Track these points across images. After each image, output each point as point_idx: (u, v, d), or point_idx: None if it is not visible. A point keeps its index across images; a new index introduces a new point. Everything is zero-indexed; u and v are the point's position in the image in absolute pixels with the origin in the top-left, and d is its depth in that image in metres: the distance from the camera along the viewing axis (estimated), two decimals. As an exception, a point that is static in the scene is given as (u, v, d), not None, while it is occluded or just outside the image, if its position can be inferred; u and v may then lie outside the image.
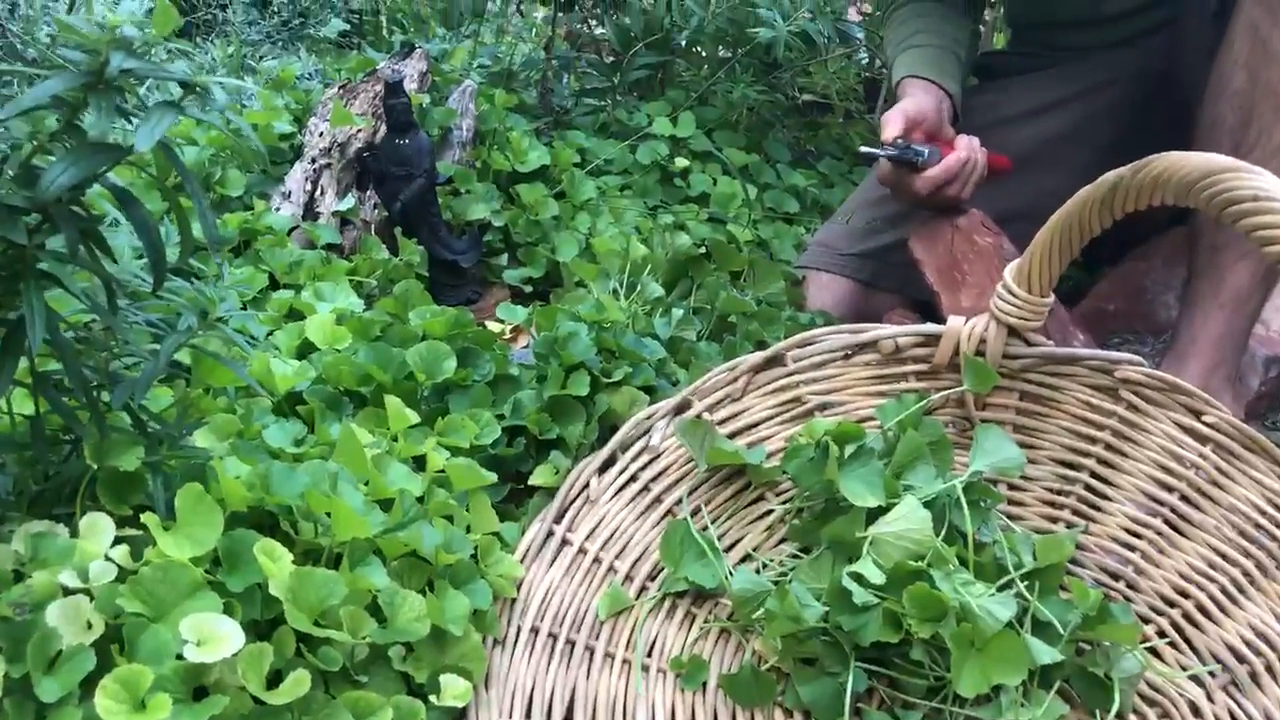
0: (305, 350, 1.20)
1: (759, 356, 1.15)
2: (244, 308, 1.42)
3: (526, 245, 1.83)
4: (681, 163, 2.22)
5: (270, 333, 1.23)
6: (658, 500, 1.10)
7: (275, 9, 3.04)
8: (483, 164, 1.94)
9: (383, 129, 1.84)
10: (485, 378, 1.16)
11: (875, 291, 1.78)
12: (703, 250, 1.48)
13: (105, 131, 0.74)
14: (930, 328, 1.15)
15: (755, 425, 1.14)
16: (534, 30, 2.55)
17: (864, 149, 1.52)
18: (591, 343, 1.17)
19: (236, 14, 3.09)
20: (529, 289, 1.81)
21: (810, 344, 1.17)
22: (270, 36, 3.09)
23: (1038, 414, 1.15)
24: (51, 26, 2.17)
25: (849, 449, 1.03)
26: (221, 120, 0.83)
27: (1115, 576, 1.10)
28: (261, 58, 2.87)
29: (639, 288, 1.44)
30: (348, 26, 3.14)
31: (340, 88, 1.88)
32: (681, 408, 1.13)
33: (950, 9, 1.78)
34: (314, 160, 1.75)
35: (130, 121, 0.82)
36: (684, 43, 2.36)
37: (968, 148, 1.51)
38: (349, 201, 1.65)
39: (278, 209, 1.66)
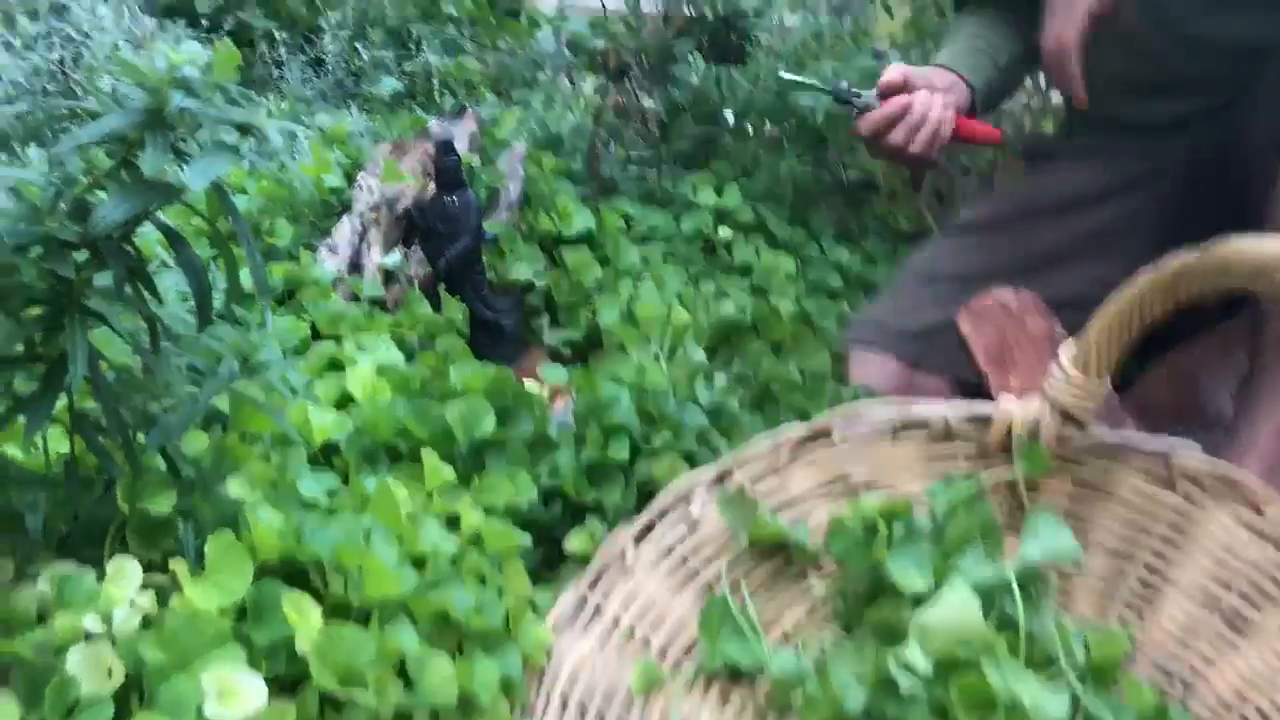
0: (344, 402, 1.19)
1: (804, 429, 1.12)
2: (285, 356, 1.41)
3: (568, 307, 1.83)
4: (726, 233, 2.22)
5: (310, 383, 1.22)
6: (695, 573, 1.06)
7: (329, 68, 3.09)
8: (528, 226, 1.94)
9: (431, 187, 1.85)
10: (524, 438, 1.14)
11: (921, 372, 1.75)
12: (746, 318, 1.46)
13: (159, 170, 0.74)
14: (981, 406, 1.12)
15: (798, 500, 1.11)
16: (582, 101, 2.58)
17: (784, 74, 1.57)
18: (632, 407, 1.15)
19: (292, 71, 3.14)
20: (568, 351, 1.80)
21: (857, 418, 1.14)
22: (324, 95, 3.14)
23: (1090, 501, 1.11)
24: (113, 77, 2.22)
25: (897, 529, 0.99)
26: (275, 166, 0.83)
27: (1170, 675, 1.05)
28: (315, 113, 2.92)
29: (680, 353, 1.42)
30: (400, 88, 3.19)
31: (391, 145, 1.89)
32: (722, 477, 1.10)
33: (997, 21, 1.77)
34: (361, 215, 1.75)
35: (184, 165, 0.82)
36: (731, 116, 2.37)
37: (919, 100, 1.50)
38: (394, 257, 1.65)
39: (323, 261, 1.67)
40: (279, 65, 3.14)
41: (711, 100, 2.46)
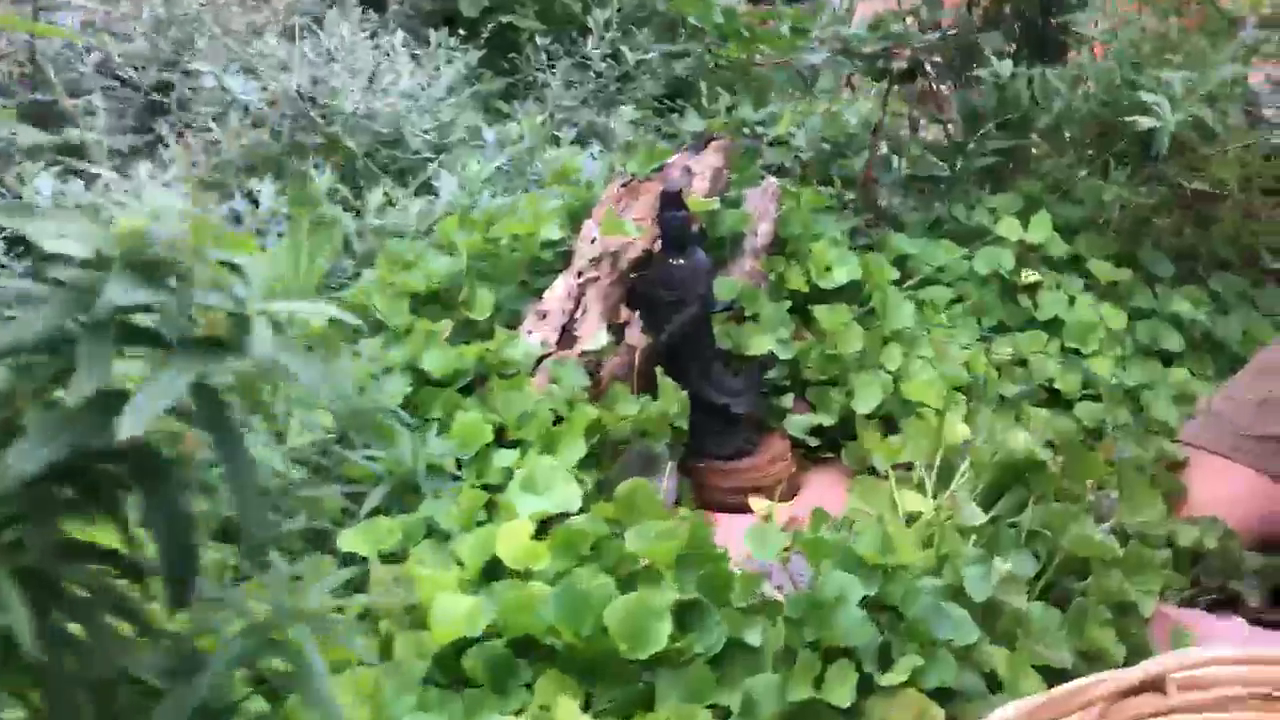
0: (493, 569, 0.94)
1: (1125, 677, 0.75)
2: (458, 465, 1.19)
3: (818, 385, 1.50)
4: (1030, 275, 1.80)
5: (454, 538, 0.98)
6: None
7: (597, 71, 2.89)
8: (778, 277, 1.62)
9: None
10: (711, 649, 0.84)
11: (1293, 495, 1.29)
12: (1049, 451, 1.07)
13: (95, 388, 0.49)
14: None
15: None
16: (858, 114, 2.21)
17: None
18: (867, 618, 0.82)
19: (557, 76, 2.96)
20: (817, 441, 1.48)
21: (1207, 666, 0.75)
22: (587, 101, 2.94)
23: None
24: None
25: None
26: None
27: None
28: (575, 124, 2.72)
29: (952, 497, 1.06)
30: (666, 91, 2.95)
31: (622, 185, 1.63)
32: (992, 742, 0.75)
33: None
34: (580, 274, 1.50)
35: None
36: (1043, 126, 1.93)
37: None
38: (601, 338, 1.39)
39: (530, 332, 1.43)
40: (543, 69, 2.97)
41: (1021, 105, 2.02)
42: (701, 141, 1.73)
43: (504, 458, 1.16)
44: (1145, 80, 1.69)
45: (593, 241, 1.55)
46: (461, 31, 2.77)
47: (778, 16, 1.68)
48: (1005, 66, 1.98)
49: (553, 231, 1.51)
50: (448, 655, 0.84)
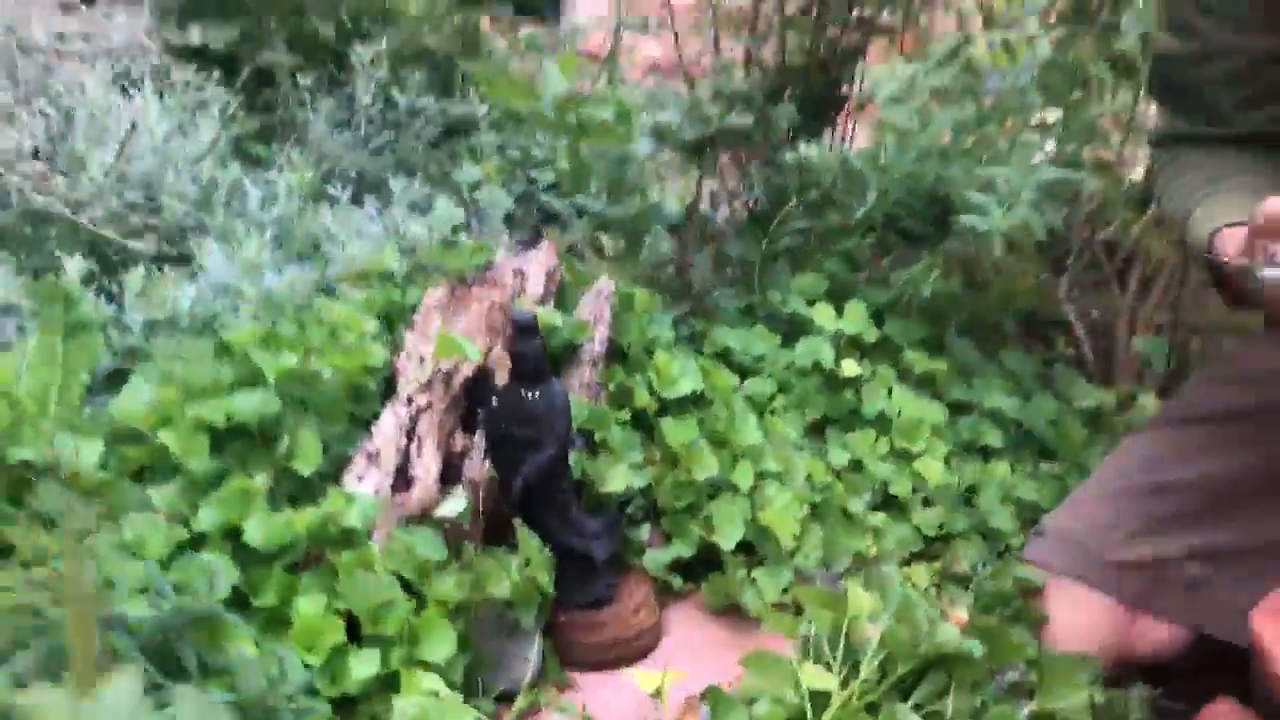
0: None
1: None
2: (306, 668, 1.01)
3: (674, 514, 1.41)
4: (850, 368, 1.79)
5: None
6: None
7: (368, 117, 2.67)
8: (618, 389, 1.52)
9: (497, 347, 1.44)
10: None
11: (1145, 617, 1.33)
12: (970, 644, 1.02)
13: None
14: None
15: None
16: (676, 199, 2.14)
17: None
18: None
19: (320, 117, 2.72)
20: (679, 580, 1.39)
21: None
22: (355, 147, 2.71)
23: None
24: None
25: None
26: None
27: None
28: (348, 175, 2.50)
29: (863, 674, 1.00)
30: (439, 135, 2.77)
31: (446, 291, 1.47)
32: None
33: (1255, 155, 1.30)
34: (410, 400, 1.34)
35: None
36: (855, 212, 1.93)
37: None
38: (457, 503, 1.23)
39: (361, 478, 1.25)
40: (304, 107, 2.71)
41: (823, 185, 2.02)
42: (530, 239, 1.60)
43: (364, 663, 0.99)
44: (965, 178, 1.72)
45: (420, 361, 1.38)
46: (215, 71, 2.47)
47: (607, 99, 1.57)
48: (813, 149, 1.97)
49: (377, 355, 1.33)
50: None
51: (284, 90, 2.77)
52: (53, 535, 1.24)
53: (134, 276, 1.75)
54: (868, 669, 1.01)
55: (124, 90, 2.02)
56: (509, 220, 2.35)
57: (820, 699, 1.04)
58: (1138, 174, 2.06)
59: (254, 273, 1.82)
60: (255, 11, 2.34)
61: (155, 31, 2.08)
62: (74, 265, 1.70)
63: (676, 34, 2.34)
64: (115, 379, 1.56)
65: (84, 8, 2.00)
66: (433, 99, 2.78)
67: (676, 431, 1.47)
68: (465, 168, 2.54)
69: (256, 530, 1.11)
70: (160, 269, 1.86)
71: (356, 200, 2.30)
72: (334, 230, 2.07)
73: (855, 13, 2.24)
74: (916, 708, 0.98)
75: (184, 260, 1.97)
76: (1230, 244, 1.11)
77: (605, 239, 2.12)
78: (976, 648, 0.99)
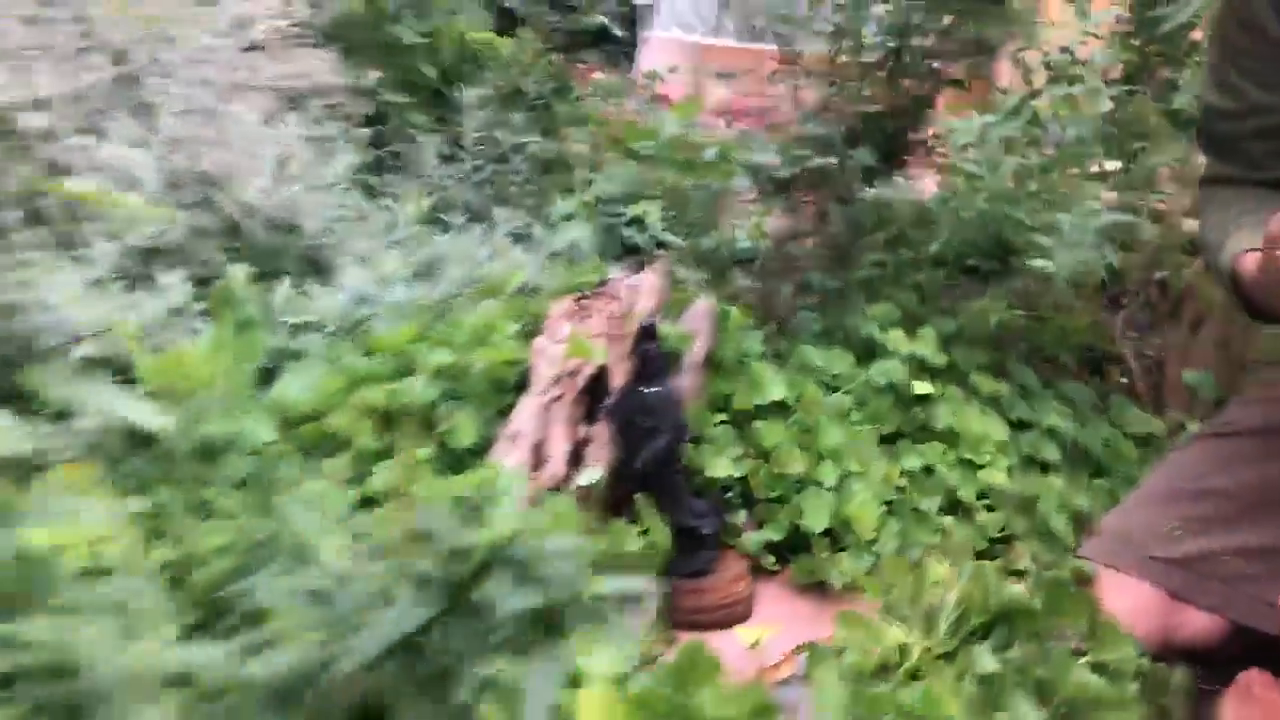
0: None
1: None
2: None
3: (766, 502, 1.60)
4: (921, 387, 1.97)
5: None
6: None
7: (472, 153, 2.91)
8: (719, 396, 1.72)
9: (617, 353, 1.64)
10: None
11: (1186, 607, 1.49)
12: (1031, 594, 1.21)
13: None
14: None
15: None
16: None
17: None
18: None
19: (430, 153, 2.96)
20: (770, 558, 1.58)
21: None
22: (463, 180, 2.95)
23: None
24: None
25: None
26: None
27: None
28: (463, 207, 2.74)
29: (942, 629, 1.18)
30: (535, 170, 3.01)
31: (571, 303, 1.68)
32: None
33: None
34: (544, 392, 1.54)
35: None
36: (928, 248, 2.12)
37: None
38: (594, 473, 1.44)
39: (503, 457, 1.46)
40: (412, 141, 2.96)
41: (899, 223, 2.22)
42: (639, 261, 1.81)
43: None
44: (1031, 219, 1.91)
45: (551, 360, 1.59)
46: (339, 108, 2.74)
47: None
48: (888, 189, 2.17)
49: (516, 352, 1.55)
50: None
51: (393, 127, 3.03)
52: (243, 494, 1.47)
53: (283, 286, 1.99)
54: (946, 622, 1.19)
55: (265, 123, 2.27)
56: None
57: (902, 651, 1.22)
58: (1191, 224, 2.24)
59: (386, 286, 2.06)
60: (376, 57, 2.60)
61: (336, 72, 2.32)
62: (239, 271, 1.93)
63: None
64: (265, 375, 1.79)
65: (263, 49, 2.25)
66: (530, 137, 3.02)
67: (769, 433, 1.66)
68: (559, 202, 2.77)
69: (423, 493, 1.32)
70: (301, 280, 2.10)
71: (463, 227, 2.54)
72: (447, 252, 2.31)
73: (928, 65, 2.44)
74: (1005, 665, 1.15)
75: (320, 272, 2.21)
76: (1251, 263, 1.29)
77: (687, 267, 2.33)
78: (1038, 603, 1.16)
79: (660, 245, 2.53)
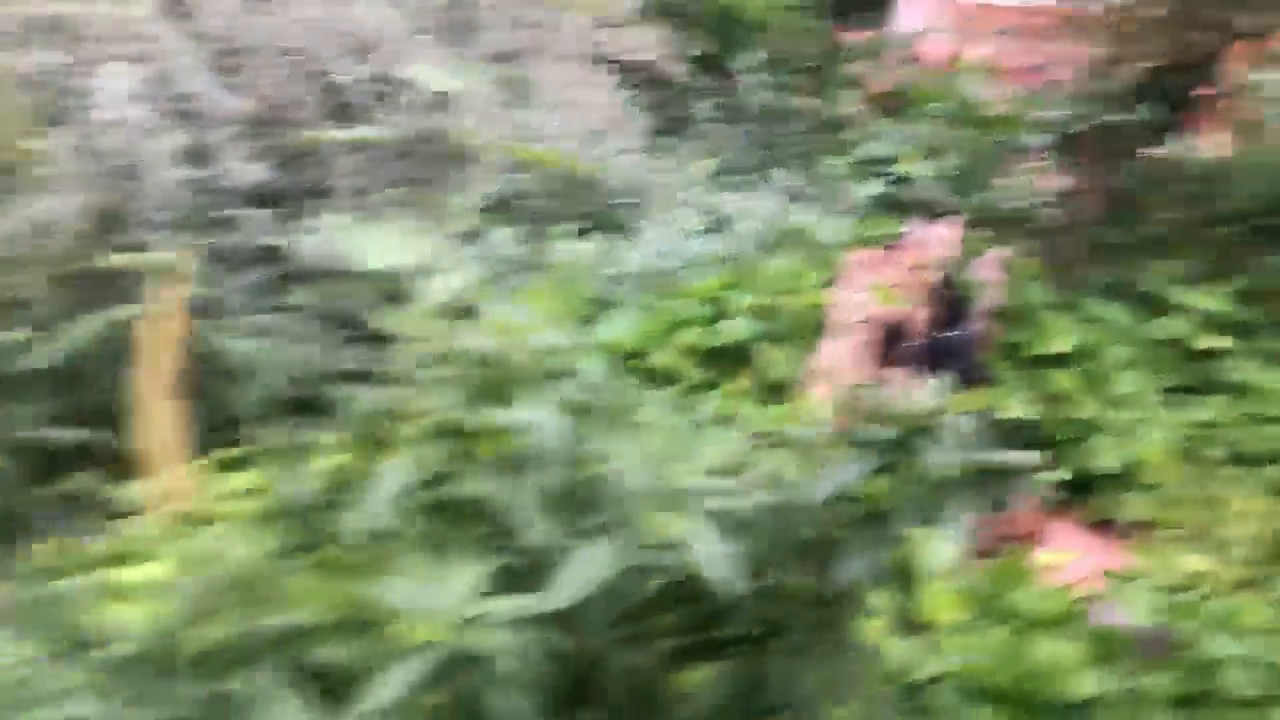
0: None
1: None
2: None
3: (1060, 444, 1.69)
4: (1208, 341, 1.99)
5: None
6: None
7: (750, 115, 3.07)
8: (1007, 340, 1.81)
9: (913, 301, 1.77)
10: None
11: None
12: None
13: None
14: None
15: None
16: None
17: None
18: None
19: (712, 116, 3.14)
20: (1064, 495, 1.67)
21: None
22: (742, 140, 3.11)
23: None
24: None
25: None
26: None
27: None
28: (735, 171, 2.90)
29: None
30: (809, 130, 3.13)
31: (866, 256, 1.82)
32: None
33: None
34: (848, 336, 1.69)
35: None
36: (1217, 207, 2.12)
37: None
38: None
39: (811, 389, 1.63)
40: (694, 108, 3.15)
41: (1188, 183, 2.22)
42: (933, 214, 1.92)
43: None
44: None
45: (852, 306, 1.74)
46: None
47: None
48: (1180, 145, 2.17)
49: (822, 297, 1.70)
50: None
51: (677, 92, 3.23)
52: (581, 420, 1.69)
53: (596, 240, 2.22)
54: (1247, 549, 1.27)
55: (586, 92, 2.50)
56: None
57: (1198, 578, 1.30)
58: None
59: (683, 240, 2.25)
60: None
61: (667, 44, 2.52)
62: (560, 230, 2.18)
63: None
64: (585, 320, 2.00)
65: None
66: (803, 100, 3.15)
67: (1061, 379, 1.75)
68: (830, 162, 2.90)
69: (750, 419, 1.51)
70: (607, 235, 2.33)
71: (742, 185, 2.71)
72: (735, 210, 2.49)
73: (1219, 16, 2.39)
74: None
75: (618, 229, 2.43)
76: None
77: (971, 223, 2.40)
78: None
79: (925, 203, 2.62)
